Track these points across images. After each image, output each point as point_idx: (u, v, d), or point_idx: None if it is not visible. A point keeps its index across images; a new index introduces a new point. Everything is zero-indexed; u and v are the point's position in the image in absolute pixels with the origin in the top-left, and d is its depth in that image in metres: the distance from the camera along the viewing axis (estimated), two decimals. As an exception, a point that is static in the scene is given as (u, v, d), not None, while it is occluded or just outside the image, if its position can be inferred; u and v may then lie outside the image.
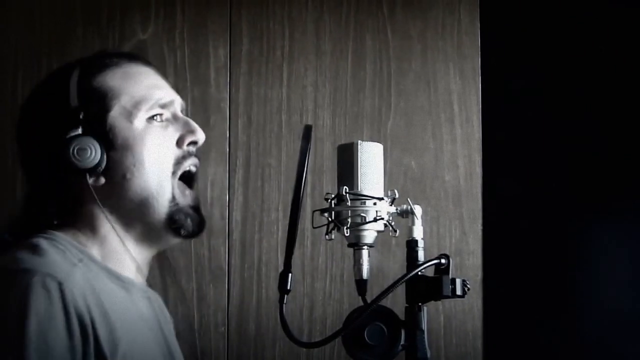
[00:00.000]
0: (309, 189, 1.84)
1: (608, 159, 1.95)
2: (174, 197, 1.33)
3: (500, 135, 1.94)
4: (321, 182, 1.86)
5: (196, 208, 1.36)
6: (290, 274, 1.18)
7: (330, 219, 1.19)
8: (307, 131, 1.18)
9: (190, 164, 1.35)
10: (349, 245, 1.20)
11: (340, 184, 1.20)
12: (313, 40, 1.92)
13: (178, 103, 1.38)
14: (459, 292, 1.17)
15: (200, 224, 1.36)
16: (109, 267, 1.32)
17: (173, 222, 1.33)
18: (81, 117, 1.29)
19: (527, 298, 1.90)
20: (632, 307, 1.91)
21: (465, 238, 1.87)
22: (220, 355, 1.82)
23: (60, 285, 1.20)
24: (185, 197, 1.35)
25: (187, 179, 1.36)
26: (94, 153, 1.29)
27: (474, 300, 1.84)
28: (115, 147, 1.31)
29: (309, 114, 1.90)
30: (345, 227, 1.17)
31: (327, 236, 1.19)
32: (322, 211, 1.20)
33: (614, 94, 1.97)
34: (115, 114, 1.32)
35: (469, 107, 1.92)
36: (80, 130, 1.29)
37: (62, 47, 1.87)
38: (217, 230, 1.85)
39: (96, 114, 1.31)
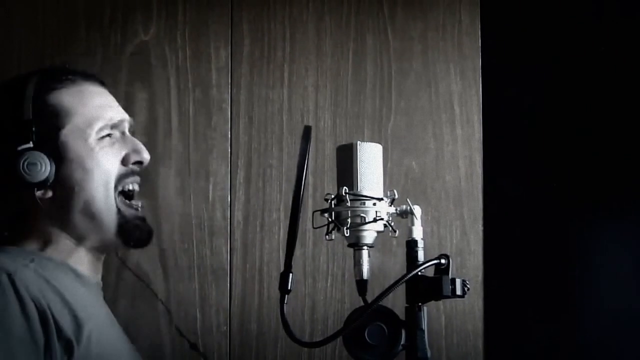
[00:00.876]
0: (309, 190, 1.84)
1: (609, 159, 1.94)
2: (119, 210, 1.37)
3: (500, 135, 1.93)
4: (322, 183, 1.86)
5: (142, 219, 1.41)
6: (291, 274, 1.19)
7: (330, 220, 1.19)
8: (307, 132, 1.19)
9: (131, 182, 1.40)
10: (349, 246, 1.21)
11: (340, 184, 1.20)
12: (314, 41, 1.92)
13: (127, 122, 1.43)
14: (458, 292, 1.18)
15: (148, 234, 1.42)
16: (65, 263, 1.35)
17: (121, 233, 1.37)
18: (33, 130, 1.32)
19: (527, 298, 1.90)
20: (633, 307, 1.91)
21: (465, 238, 1.87)
22: (222, 355, 1.82)
23: (9, 276, 1.23)
24: (131, 210, 1.39)
25: (128, 195, 1.40)
26: (44, 167, 1.32)
27: (475, 301, 1.84)
28: (66, 161, 1.35)
29: (310, 114, 1.90)
30: (345, 228, 1.18)
31: (327, 236, 1.20)
32: (322, 211, 1.20)
33: (615, 94, 1.97)
34: (68, 131, 1.35)
35: (470, 107, 1.92)
36: (31, 144, 1.32)
37: (65, 48, 1.87)
38: (218, 230, 1.85)
39: (49, 129, 1.34)
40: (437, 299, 1.19)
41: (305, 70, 1.91)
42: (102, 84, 1.45)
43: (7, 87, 1.40)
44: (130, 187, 1.40)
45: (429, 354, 1.17)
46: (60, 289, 1.29)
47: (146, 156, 1.41)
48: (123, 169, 1.39)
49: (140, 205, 1.41)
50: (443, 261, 1.19)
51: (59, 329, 1.24)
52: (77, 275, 1.36)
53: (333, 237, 1.20)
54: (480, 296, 1.85)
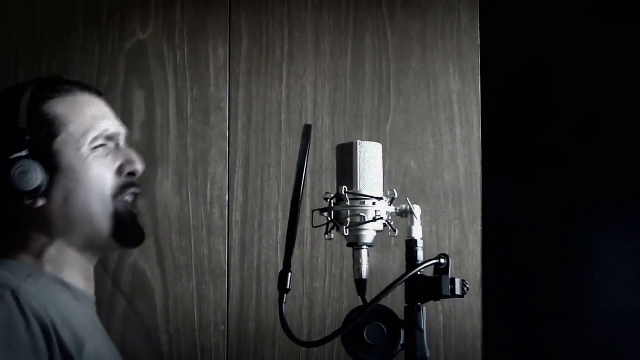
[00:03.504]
0: (308, 189, 1.84)
1: (609, 158, 1.94)
2: (114, 214, 1.38)
3: (500, 135, 1.93)
4: (321, 182, 1.86)
5: (135, 218, 1.42)
6: (289, 274, 1.18)
7: (329, 219, 1.19)
8: (307, 131, 1.19)
9: (130, 193, 1.41)
10: (349, 245, 1.21)
11: (340, 183, 1.20)
12: (313, 40, 1.92)
13: (122, 135, 1.44)
14: (458, 292, 1.18)
15: (142, 234, 1.43)
16: (59, 278, 1.36)
17: (116, 235, 1.38)
18: (27, 139, 1.33)
19: (527, 298, 1.90)
20: (634, 307, 1.91)
21: (465, 238, 1.87)
22: (220, 354, 1.82)
23: (13, 293, 1.24)
24: (127, 212, 1.40)
25: (126, 203, 1.40)
26: (35, 176, 1.32)
27: (474, 301, 1.84)
28: (59, 171, 1.35)
29: (309, 113, 1.90)
30: (344, 227, 1.18)
31: (326, 236, 1.20)
32: (322, 211, 1.20)
33: (615, 93, 1.96)
34: (62, 140, 1.36)
35: (469, 107, 1.91)
36: (24, 153, 1.32)
37: (62, 47, 1.86)
38: (216, 229, 1.85)
39: (43, 138, 1.35)
40: (436, 299, 1.19)
41: (303, 70, 1.91)
42: (99, 94, 1.46)
43: (3, 96, 1.41)
44: (129, 199, 1.41)
45: (428, 354, 1.17)
46: (58, 304, 1.30)
47: (139, 167, 1.42)
48: (119, 179, 1.40)
49: (135, 207, 1.42)
50: (442, 261, 1.18)
51: (62, 345, 1.25)
52: (71, 291, 1.37)
53: (332, 236, 1.20)
54: (479, 296, 1.84)
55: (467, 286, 1.19)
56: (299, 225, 1.17)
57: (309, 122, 1.86)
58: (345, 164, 1.20)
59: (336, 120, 1.90)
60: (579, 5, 1.98)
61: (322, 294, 1.85)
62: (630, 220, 1.96)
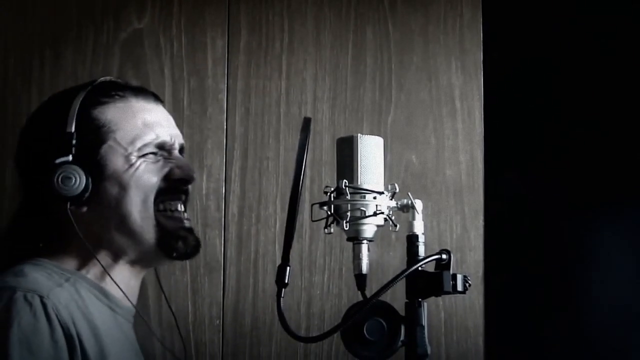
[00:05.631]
0: (307, 182, 1.83)
1: (611, 154, 1.94)
2: (158, 223, 1.35)
3: (502, 130, 1.93)
4: (320, 175, 1.85)
5: (189, 230, 1.39)
6: (288, 268, 1.17)
7: (329, 213, 1.19)
8: (306, 124, 1.18)
9: (174, 201, 1.38)
10: (348, 240, 1.20)
11: (340, 177, 1.19)
12: (313, 32, 1.91)
13: (177, 143, 1.41)
14: (460, 287, 1.17)
15: (195, 246, 1.40)
16: (99, 286, 1.34)
17: (162, 246, 1.36)
18: (74, 143, 1.31)
19: (528, 294, 1.90)
20: (635, 303, 1.91)
21: (466, 234, 1.86)
22: (215, 349, 1.81)
23: (42, 299, 1.23)
24: (173, 222, 1.37)
25: (171, 210, 1.38)
26: (78, 182, 1.31)
27: (476, 297, 1.83)
28: (104, 177, 1.33)
29: (308, 106, 1.89)
30: (344, 221, 1.17)
31: (326, 230, 1.19)
32: (321, 204, 1.19)
33: (617, 89, 1.96)
34: (108, 147, 1.34)
35: (471, 101, 1.90)
36: (70, 157, 1.31)
37: (55, 36, 1.85)
38: (212, 222, 1.83)
39: (90, 143, 1.33)
40: (437, 295, 1.18)
41: (303, 62, 1.90)
42: (157, 99, 1.43)
43: (55, 100, 1.40)
44: (172, 208, 1.38)
45: (428, 351, 1.16)
46: (90, 314, 1.29)
47: (191, 174, 1.39)
48: (164, 184, 1.37)
49: (186, 217, 1.40)
50: (444, 256, 1.18)
51: (85, 356, 1.24)
52: (109, 300, 1.35)
53: (332, 230, 1.18)
54: (480, 292, 1.84)
55: (469, 282, 1.18)
56: (297, 219, 1.16)
57: (309, 115, 1.85)
58: (346, 157, 1.19)
59: (336, 114, 1.89)
60: (580, 1, 1.97)
61: (321, 288, 1.84)
62: (632, 217, 1.96)
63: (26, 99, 1.80)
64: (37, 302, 1.22)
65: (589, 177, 1.93)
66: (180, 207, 1.39)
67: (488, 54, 1.91)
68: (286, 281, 1.16)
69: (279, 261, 1.17)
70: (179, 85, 1.86)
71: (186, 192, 1.40)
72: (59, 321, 1.23)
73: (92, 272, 1.35)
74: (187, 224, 1.40)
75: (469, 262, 1.85)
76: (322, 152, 1.86)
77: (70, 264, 1.34)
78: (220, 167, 1.85)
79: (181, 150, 1.43)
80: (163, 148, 1.38)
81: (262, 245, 1.84)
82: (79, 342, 1.23)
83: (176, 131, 1.43)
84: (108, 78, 1.43)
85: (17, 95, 1.82)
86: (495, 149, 1.90)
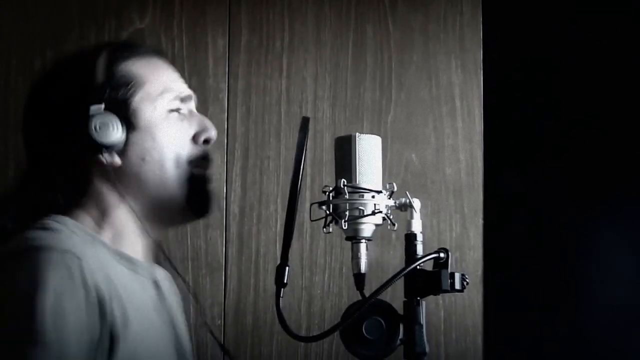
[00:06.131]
0: (307, 182, 1.83)
1: (610, 153, 1.94)
2: (190, 180, 1.33)
3: (501, 129, 1.93)
4: (320, 175, 1.85)
5: (209, 186, 1.37)
6: (287, 267, 1.17)
7: (328, 212, 1.18)
8: (305, 123, 1.18)
9: (204, 162, 1.36)
10: (347, 239, 1.20)
11: (338, 176, 1.19)
12: (313, 31, 1.91)
13: (194, 100, 1.41)
14: (457, 286, 1.17)
15: (211, 204, 1.37)
16: (118, 250, 1.31)
17: (189, 202, 1.34)
18: (106, 95, 1.29)
19: (528, 293, 1.90)
20: (634, 302, 1.91)
21: (465, 232, 1.86)
22: (217, 349, 1.81)
23: (80, 261, 1.19)
24: (202, 180, 1.36)
25: (201, 170, 1.37)
26: (116, 130, 1.28)
27: (475, 295, 1.83)
28: (137, 129, 1.31)
29: (309, 105, 1.89)
30: (343, 220, 1.17)
31: (325, 229, 1.19)
32: (320, 204, 1.19)
33: (617, 88, 1.96)
34: (139, 99, 1.33)
35: (471, 100, 1.90)
36: (103, 105, 1.28)
37: (57, 35, 1.85)
38: (214, 222, 1.83)
39: (121, 95, 1.31)
40: (435, 294, 1.18)
41: (304, 61, 1.90)
42: (171, 62, 1.43)
43: (77, 57, 1.38)
44: (204, 167, 1.36)
45: (427, 349, 1.16)
46: (113, 276, 1.25)
47: (213, 134, 1.38)
48: (194, 148, 1.36)
49: (209, 178, 1.38)
50: (442, 255, 1.18)
51: (113, 322, 1.21)
52: (131, 262, 1.32)
53: (331, 229, 1.19)
54: (479, 291, 1.84)
55: (467, 280, 1.18)
56: (297, 219, 1.16)
57: (309, 114, 1.86)
58: (344, 156, 1.19)
59: (336, 113, 1.89)
60: (581, 0, 1.97)
61: (320, 288, 1.84)
62: (632, 216, 1.96)
63: (28, 99, 1.81)
64: (75, 264, 1.17)
65: (588, 176, 1.93)
66: (207, 166, 1.38)
67: (488, 52, 1.91)
68: (285, 281, 1.16)
69: (279, 260, 1.17)
70: (180, 85, 1.86)
71: (209, 156, 1.38)
72: (94, 287, 1.19)
73: (109, 233, 1.32)
74: (208, 179, 1.38)
75: (468, 261, 1.85)
76: (323, 151, 1.86)
77: (89, 223, 1.31)
78: (221, 166, 1.86)
79: (196, 107, 1.43)
80: (185, 102, 1.38)
81: (263, 244, 1.85)
82: (110, 308, 1.20)
83: (190, 89, 1.43)
84: (122, 41, 1.44)
85: (18, 96, 1.83)
86: (495, 148, 1.90)
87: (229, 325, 1.82)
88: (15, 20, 1.85)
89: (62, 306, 1.16)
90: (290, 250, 1.17)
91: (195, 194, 1.34)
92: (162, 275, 1.42)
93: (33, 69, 1.83)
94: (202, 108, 1.85)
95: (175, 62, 1.85)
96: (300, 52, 1.90)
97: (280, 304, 1.15)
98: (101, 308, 1.19)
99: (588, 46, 1.97)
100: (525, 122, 1.95)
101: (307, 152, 1.17)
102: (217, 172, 1.85)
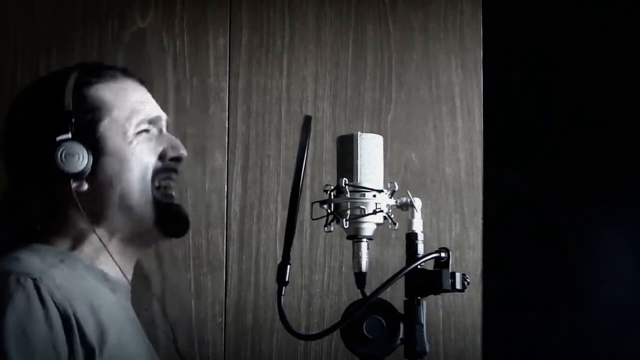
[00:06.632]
0: (308, 181, 1.83)
1: (610, 153, 1.93)
2: (156, 201, 1.36)
3: (501, 128, 1.92)
4: (321, 174, 1.85)
5: (178, 207, 1.40)
6: (288, 266, 1.17)
7: (329, 211, 1.18)
8: (307, 122, 1.18)
9: (166, 178, 1.39)
10: (348, 238, 1.20)
11: (340, 175, 1.19)
12: (313, 31, 1.91)
13: (164, 120, 1.43)
14: (458, 286, 1.17)
15: (185, 223, 1.41)
16: (93, 266, 1.34)
17: (160, 224, 1.37)
18: (73, 121, 1.32)
19: (527, 293, 1.89)
20: (634, 302, 1.91)
21: (465, 232, 1.86)
22: (218, 346, 1.81)
23: (35, 281, 1.23)
24: (169, 199, 1.39)
25: (165, 188, 1.39)
26: (81, 158, 1.31)
27: (474, 295, 1.84)
28: (103, 154, 1.34)
29: (309, 104, 1.89)
30: (344, 219, 1.17)
31: (326, 228, 1.19)
32: (321, 203, 1.19)
33: (617, 87, 1.96)
34: (106, 125, 1.35)
35: (471, 99, 1.90)
36: (69, 135, 1.31)
37: (61, 35, 1.86)
38: (215, 221, 1.84)
39: (88, 122, 1.34)
40: (436, 293, 1.18)
41: (304, 60, 1.90)
42: (141, 82, 1.45)
43: (48, 80, 1.41)
44: (164, 184, 1.39)
45: (427, 348, 1.16)
46: (87, 292, 1.29)
47: (183, 152, 1.41)
48: (160, 164, 1.38)
49: (173, 195, 1.41)
50: (443, 255, 1.18)
51: (83, 336, 1.23)
52: (105, 278, 1.35)
53: (332, 228, 1.19)
54: (479, 290, 1.84)
55: (468, 280, 1.18)
56: (298, 217, 1.17)
57: (309, 113, 1.86)
58: (346, 155, 1.20)
59: (337, 112, 1.89)
60: (581, -1, 1.98)
61: (321, 286, 1.84)
62: (632, 215, 1.96)
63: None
64: (29, 284, 1.21)
65: (588, 176, 1.92)
66: (172, 184, 1.40)
67: (488, 52, 1.91)
68: (286, 279, 1.16)
69: (280, 259, 1.17)
70: (181, 84, 1.87)
71: (176, 171, 1.41)
72: (54, 302, 1.22)
73: (86, 251, 1.35)
74: (176, 201, 1.41)
75: (468, 260, 1.85)
76: (323, 150, 1.86)
77: (64, 245, 1.34)
78: (222, 165, 1.86)
79: (167, 126, 1.44)
80: (155, 123, 1.40)
81: (263, 243, 1.85)
82: (76, 322, 1.23)
83: (160, 109, 1.44)
84: (91, 62, 1.45)
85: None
86: (495, 148, 1.90)
87: (229, 323, 1.83)
88: (22, 21, 1.86)
89: (23, 326, 1.19)
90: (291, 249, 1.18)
91: (163, 215, 1.37)
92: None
93: (38, 68, 1.84)
94: (203, 107, 1.86)
95: (177, 61, 1.87)
96: (301, 51, 1.90)
97: (282, 302, 1.16)
98: (67, 325, 1.22)
99: (588, 45, 1.97)
100: (525, 122, 1.95)
101: (308, 151, 1.17)
102: (218, 170, 1.86)
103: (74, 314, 1.23)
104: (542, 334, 1.90)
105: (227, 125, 1.87)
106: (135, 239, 1.38)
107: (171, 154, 1.39)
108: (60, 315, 1.22)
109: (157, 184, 1.37)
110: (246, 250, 1.84)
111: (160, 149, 1.39)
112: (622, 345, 1.90)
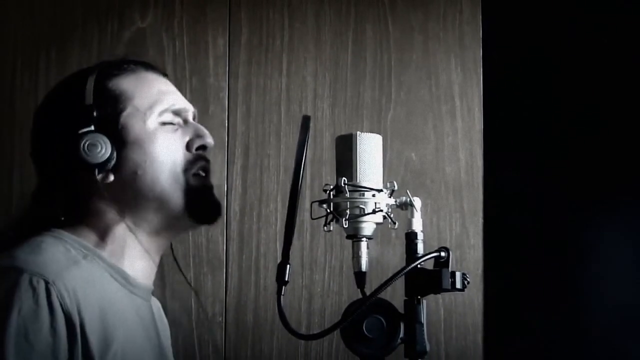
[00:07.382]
0: (308, 180, 1.83)
1: (610, 151, 1.94)
2: (188, 190, 1.35)
3: (501, 127, 1.92)
4: (320, 173, 1.85)
5: (211, 194, 1.39)
6: (288, 265, 1.17)
7: (328, 211, 1.19)
8: (306, 122, 1.18)
9: (199, 167, 1.38)
10: (348, 237, 1.20)
11: (339, 175, 1.19)
12: (313, 30, 1.91)
13: (190, 111, 1.42)
14: (458, 285, 1.17)
15: (217, 209, 1.39)
16: (116, 266, 1.33)
17: (190, 211, 1.35)
18: (94, 115, 1.33)
19: (528, 292, 1.90)
20: (634, 301, 1.91)
21: (465, 231, 1.86)
22: (218, 345, 1.81)
23: (47, 284, 1.21)
24: (199, 186, 1.37)
25: (199, 177, 1.38)
26: (104, 149, 1.31)
27: (475, 294, 1.84)
28: (127, 144, 1.34)
29: (309, 104, 1.89)
30: (343, 219, 1.17)
31: (325, 228, 1.19)
32: (321, 202, 1.19)
33: (617, 87, 1.96)
34: (128, 114, 1.35)
35: (470, 99, 1.90)
36: (92, 127, 1.32)
37: (61, 35, 1.85)
38: (215, 220, 1.84)
39: (110, 113, 1.34)
40: (436, 292, 1.18)
41: (304, 60, 1.90)
42: (164, 74, 1.45)
43: (69, 79, 1.41)
44: (200, 173, 1.37)
45: (427, 348, 1.17)
46: (101, 297, 1.27)
47: (209, 141, 1.39)
48: (189, 154, 1.37)
49: (210, 182, 1.40)
50: (443, 254, 1.18)
51: (85, 345, 1.22)
52: (125, 278, 1.34)
53: (331, 228, 1.19)
54: (479, 290, 1.84)
55: (468, 279, 1.18)
56: (298, 217, 1.17)
57: (309, 113, 1.86)
58: (345, 155, 1.20)
59: (336, 111, 1.89)
60: (581, -2, 1.98)
61: (321, 286, 1.84)
62: (632, 214, 1.96)
63: (33, 97, 1.81)
64: (41, 287, 1.20)
65: (588, 175, 1.93)
66: (205, 173, 1.39)
67: (487, 51, 1.91)
68: (286, 279, 1.17)
69: (280, 259, 1.18)
70: (181, 84, 1.86)
71: (206, 159, 1.40)
72: (62, 308, 1.21)
73: (110, 248, 1.34)
74: (209, 185, 1.39)
75: (468, 259, 1.85)
76: (323, 150, 1.86)
77: (90, 238, 1.33)
78: (222, 165, 1.86)
79: (193, 118, 1.43)
80: (179, 115, 1.39)
81: (263, 243, 1.85)
82: (80, 330, 1.22)
83: (187, 102, 1.43)
84: (115, 59, 1.45)
85: (24, 94, 1.83)
86: (495, 147, 1.90)
87: (229, 323, 1.83)
88: (21, 21, 1.86)
89: (26, 329, 1.19)
90: (290, 249, 1.17)
91: (195, 202, 1.36)
92: (156, 304, 1.46)
93: (38, 68, 1.84)
94: (203, 107, 1.86)
95: (176, 61, 1.87)
96: (300, 51, 1.90)
97: (282, 302, 1.16)
98: (70, 331, 1.22)
99: (588, 45, 1.97)
100: (525, 121, 1.95)
101: (307, 150, 1.17)
102: (217, 170, 1.85)
103: (81, 322, 1.22)
104: (542, 333, 1.90)
105: (226, 125, 1.87)
106: (162, 230, 1.37)
107: (197, 142, 1.38)
108: (66, 322, 1.21)
109: (193, 171, 1.36)
110: (246, 250, 1.84)
111: (187, 138, 1.37)
112: (622, 345, 1.91)
